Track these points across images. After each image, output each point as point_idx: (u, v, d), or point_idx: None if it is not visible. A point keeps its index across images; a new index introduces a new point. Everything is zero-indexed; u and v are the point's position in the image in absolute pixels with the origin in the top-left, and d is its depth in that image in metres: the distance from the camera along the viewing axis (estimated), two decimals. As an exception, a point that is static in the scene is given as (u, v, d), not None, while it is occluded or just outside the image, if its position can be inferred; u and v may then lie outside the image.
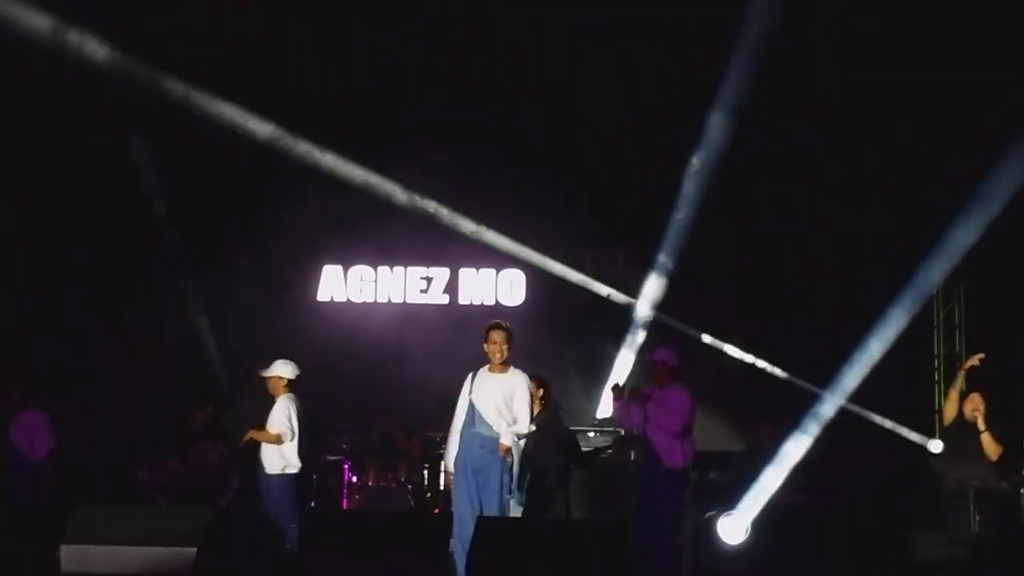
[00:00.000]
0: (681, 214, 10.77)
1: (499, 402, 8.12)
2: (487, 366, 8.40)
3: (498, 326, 8.29)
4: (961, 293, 11.70)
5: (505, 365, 8.27)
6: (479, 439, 8.10)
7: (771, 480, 9.12)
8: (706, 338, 11.62)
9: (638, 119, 10.41)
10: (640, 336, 11.71)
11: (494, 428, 8.10)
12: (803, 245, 11.11)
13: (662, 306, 11.55)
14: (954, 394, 9.54)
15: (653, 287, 11.51)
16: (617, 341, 11.77)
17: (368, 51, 9.94)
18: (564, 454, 9.53)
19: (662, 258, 11.21)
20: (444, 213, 11.48)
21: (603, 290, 11.98)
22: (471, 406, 8.16)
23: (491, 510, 7.96)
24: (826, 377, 9.95)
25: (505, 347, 8.14)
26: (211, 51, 9.75)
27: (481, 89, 10.36)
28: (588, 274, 12.09)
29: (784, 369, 11.31)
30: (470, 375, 8.41)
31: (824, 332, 10.73)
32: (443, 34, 9.73)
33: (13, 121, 9.68)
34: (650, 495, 8.66)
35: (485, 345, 8.33)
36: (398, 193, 11.35)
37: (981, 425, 9.34)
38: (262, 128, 10.42)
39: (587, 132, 10.78)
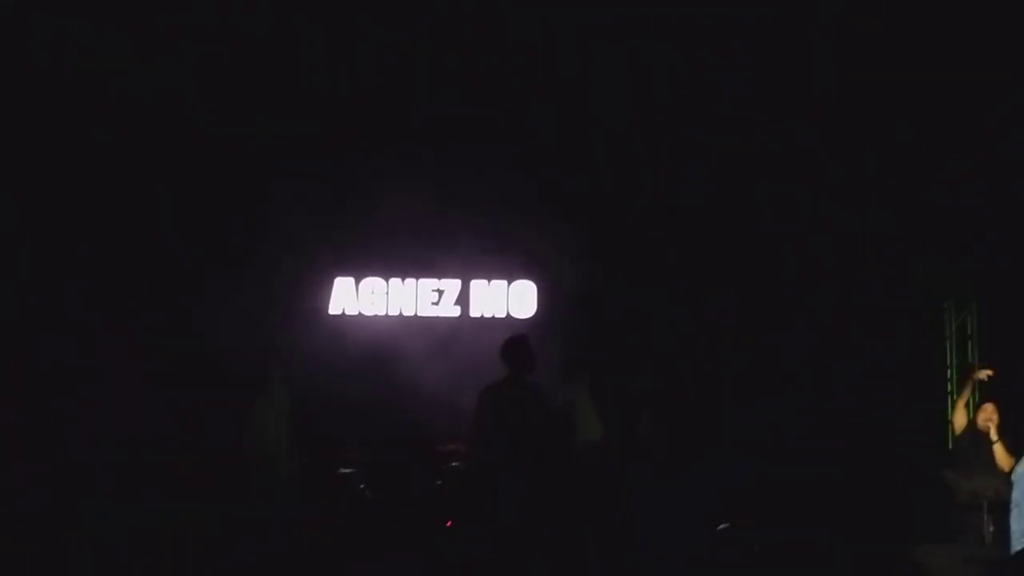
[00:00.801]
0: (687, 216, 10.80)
1: None
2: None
3: None
4: (974, 304, 11.64)
5: None
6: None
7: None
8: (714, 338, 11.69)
9: (642, 120, 10.38)
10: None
11: None
12: (804, 245, 11.06)
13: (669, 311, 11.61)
14: (960, 404, 9.47)
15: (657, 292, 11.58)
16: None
17: (373, 55, 9.94)
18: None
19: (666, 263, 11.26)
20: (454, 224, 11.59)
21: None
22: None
23: None
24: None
25: None
26: (222, 58, 9.80)
27: (492, 93, 10.32)
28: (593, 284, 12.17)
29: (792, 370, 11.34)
30: (487, 393, 8.37)
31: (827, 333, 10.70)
32: (451, 41, 9.71)
33: (19, 117, 9.74)
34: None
35: None
36: (409, 204, 11.42)
37: (994, 435, 9.24)
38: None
39: (589, 137, 10.75)
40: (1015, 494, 7.88)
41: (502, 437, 7.87)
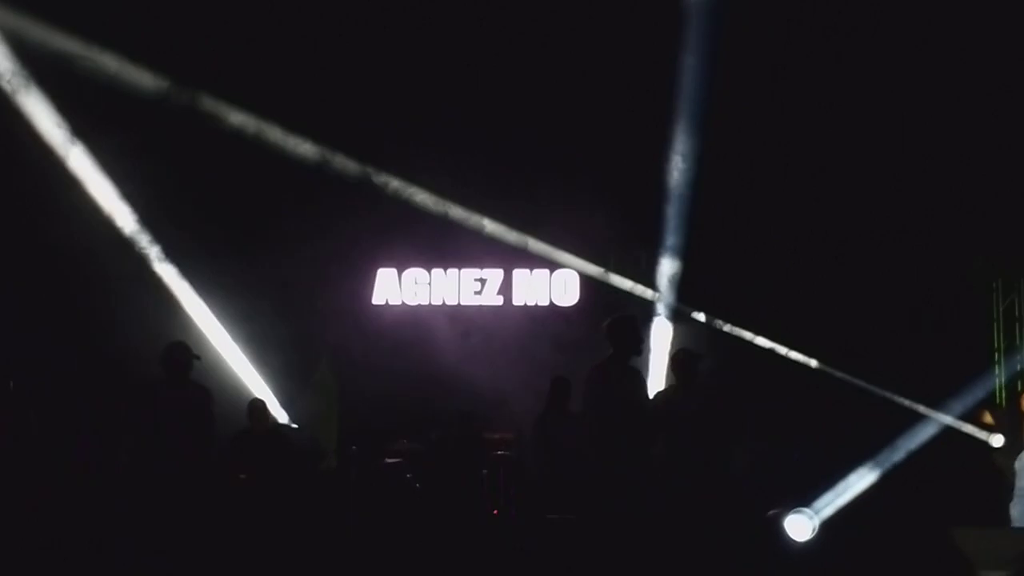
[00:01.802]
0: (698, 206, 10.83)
1: None
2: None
3: None
4: (1022, 287, 11.58)
5: None
6: None
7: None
8: (736, 330, 11.73)
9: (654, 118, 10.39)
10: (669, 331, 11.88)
11: None
12: (827, 235, 11.04)
13: (688, 300, 11.66)
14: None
15: (675, 281, 11.64)
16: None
17: (414, 48, 9.96)
18: None
19: (684, 252, 11.31)
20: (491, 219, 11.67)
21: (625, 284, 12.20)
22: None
23: None
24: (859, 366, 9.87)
25: None
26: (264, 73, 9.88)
27: (537, 84, 10.31)
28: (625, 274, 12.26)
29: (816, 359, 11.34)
30: (596, 371, 8.16)
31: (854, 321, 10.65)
32: (493, 32, 9.72)
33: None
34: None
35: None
36: (448, 196, 11.50)
37: (1037, 420, 9.22)
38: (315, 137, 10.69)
39: (633, 124, 10.72)
40: (1019, 484, 7.89)
41: (613, 414, 7.70)
